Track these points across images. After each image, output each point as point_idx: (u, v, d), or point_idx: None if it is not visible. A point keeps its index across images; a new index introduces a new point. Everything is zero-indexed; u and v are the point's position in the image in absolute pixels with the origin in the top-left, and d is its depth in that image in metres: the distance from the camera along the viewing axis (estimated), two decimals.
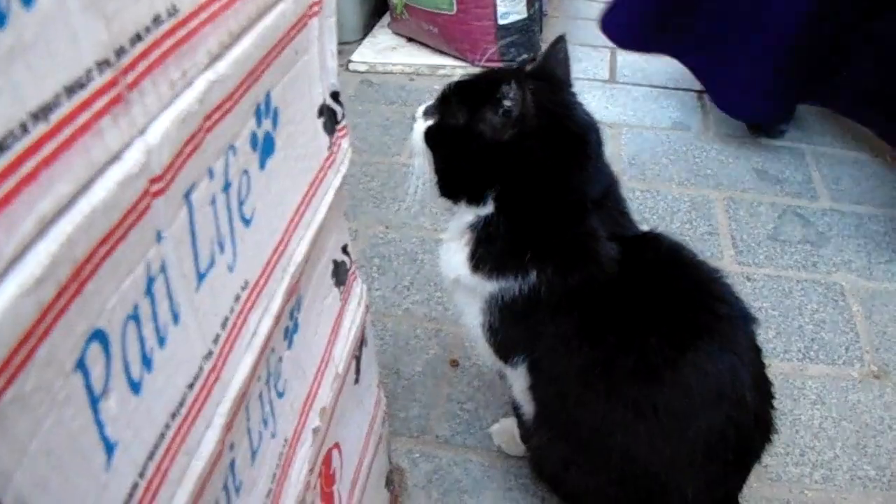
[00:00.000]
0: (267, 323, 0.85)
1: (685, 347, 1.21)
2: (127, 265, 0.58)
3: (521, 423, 1.48)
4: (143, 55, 0.57)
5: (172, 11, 0.61)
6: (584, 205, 1.24)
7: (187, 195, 0.66)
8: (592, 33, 3.40)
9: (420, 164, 1.32)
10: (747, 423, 1.26)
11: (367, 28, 3.39)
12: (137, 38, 0.56)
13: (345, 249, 1.18)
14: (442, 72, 3.07)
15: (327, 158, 1.01)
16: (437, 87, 2.82)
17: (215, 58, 0.68)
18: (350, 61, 3.14)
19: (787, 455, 1.69)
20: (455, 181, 1.29)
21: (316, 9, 0.90)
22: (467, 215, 1.30)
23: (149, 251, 0.61)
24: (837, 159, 2.70)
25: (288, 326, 0.97)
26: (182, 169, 0.64)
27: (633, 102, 2.96)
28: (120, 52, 0.54)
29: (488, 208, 1.26)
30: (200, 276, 0.71)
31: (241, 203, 0.77)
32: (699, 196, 2.46)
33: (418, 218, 2.29)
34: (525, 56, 3.04)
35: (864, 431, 1.75)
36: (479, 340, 1.36)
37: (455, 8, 2.94)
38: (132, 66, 0.56)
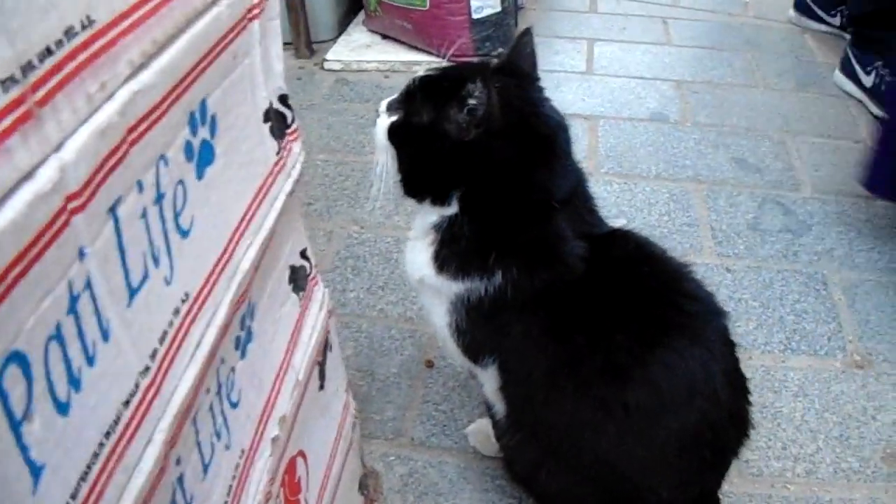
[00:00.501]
0: (212, 334, 0.83)
1: (654, 345, 1.19)
2: (45, 284, 0.56)
3: (495, 423, 1.46)
4: (55, 69, 0.55)
5: (87, 23, 0.59)
6: (551, 204, 1.22)
7: (112, 210, 0.64)
8: (569, 25, 3.42)
9: (383, 161, 1.29)
10: (721, 419, 1.24)
11: (342, 26, 3.37)
12: (47, 52, 0.55)
13: (303, 254, 1.16)
14: (417, 68, 2.99)
15: (276, 164, 0.99)
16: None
17: (138, 68, 0.66)
18: (325, 60, 3.11)
19: (769, 449, 1.68)
20: (419, 180, 1.27)
21: (256, 12, 0.88)
22: (431, 215, 1.28)
23: (70, 269, 0.59)
24: (818, 147, 2.68)
25: (239, 336, 0.95)
26: (104, 183, 0.62)
27: (611, 94, 2.94)
28: (27, 67, 0.53)
29: (453, 208, 1.24)
30: (132, 292, 0.69)
31: (177, 214, 0.76)
32: (677, 188, 2.44)
33: (392, 217, 2.27)
34: (500, 50, 3.01)
35: (848, 423, 1.73)
36: (448, 341, 1.34)
37: (428, 3, 2.92)
38: (42, 81, 0.54)
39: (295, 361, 1.13)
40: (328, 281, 2.05)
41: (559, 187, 1.24)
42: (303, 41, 3.15)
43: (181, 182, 0.76)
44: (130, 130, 0.65)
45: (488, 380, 1.37)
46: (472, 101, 1.15)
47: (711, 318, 1.27)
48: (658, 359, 1.19)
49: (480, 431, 1.64)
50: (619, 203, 2.34)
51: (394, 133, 1.27)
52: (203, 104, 0.79)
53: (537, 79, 1.30)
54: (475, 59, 1.26)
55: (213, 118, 0.81)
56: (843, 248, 2.23)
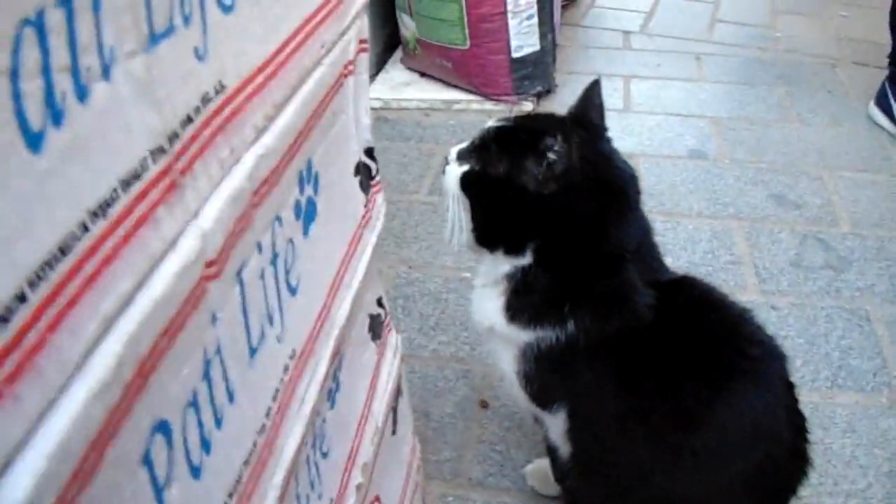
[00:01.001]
0: (314, 389, 0.85)
1: (720, 389, 1.21)
2: (186, 352, 0.58)
3: (556, 463, 1.47)
4: (194, 137, 0.57)
5: (220, 88, 0.60)
6: (623, 255, 1.24)
7: (239, 273, 0.66)
8: (604, 61, 3.43)
9: (455, 210, 1.29)
10: (783, 458, 1.27)
11: (380, 64, 3.38)
12: (188, 120, 0.56)
13: (380, 302, 1.18)
14: (457, 107, 3.05)
15: (364, 216, 1.00)
16: (453, 122, 2.84)
17: (261, 131, 0.67)
18: None
19: (821, 485, 1.68)
20: (493, 231, 1.28)
21: (350, 68, 0.90)
22: (503, 265, 1.28)
23: (205, 335, 0.61)
24: (854, 182, 2.68)
25: (331, 387, 0.96)
26: (234, 248, 0.63)
27: (649, 132, 2.95)
28: (173, 137, 0.54)
29: (526, 259, 1.25)
30: (252, 352, 0.71)
31: (287, 272, 0.77)
32: (719, 225, 2.45)
33: (440, 257, 2.28)
34: (539, 88, 3.03)
35: None
36: (515, 388, 1.35)
37: (468, 42, 2.94)
38: (184, 149, 0.56)
39: (374, 408, 1.14)
40: None
41: (630, 239, 1.25)
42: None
43: (291, 241, 0.77)
44: (255, 193, 0.66)
45: (554, 424, 1.37)
46: (551, 155, 1.16)
47: (773, 361, 1.28)
48: (725, 403, 1.21)
49: (539, 471, 1.65)
50: (663, 242, 2.31)
51: (467, 183, 1.27)
52: (309, 163, 0.80)
53: (606, 129, 1.32)
54: (546, 112, 1.26)
55: (317, 175, 0.83)
56: (883, 284, 2.23)
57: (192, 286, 0.57)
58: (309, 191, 0.81)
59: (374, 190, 1.05)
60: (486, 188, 1.26)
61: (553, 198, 1.19)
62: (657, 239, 2.26)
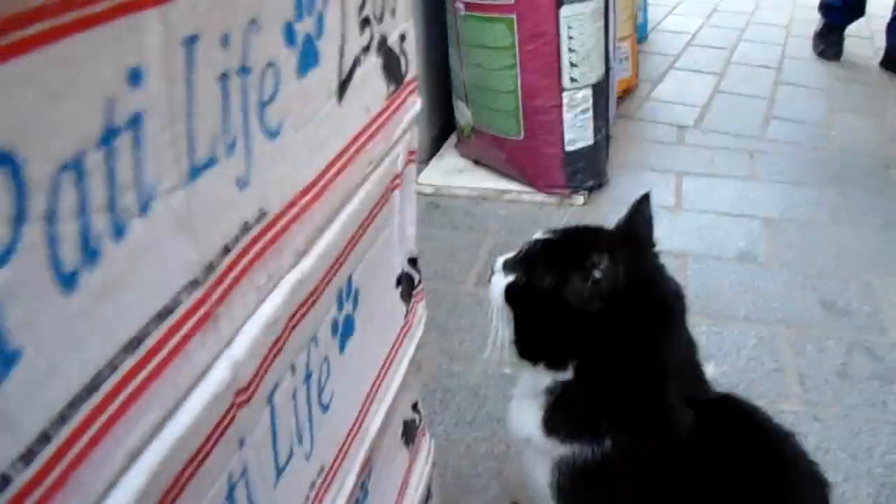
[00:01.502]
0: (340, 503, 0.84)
1: None
2: (210, 479, 0.57)
3: None
4: (231, 266, 0.57)
5: (260, 216, 0.60)
6: (665, 374, 1.21)
7: (270, 397, 0.65)
8: (657, 157, 3.42)
9: (498, 322, 1.28)
10: None
11: (434, 149, 3.39)
12: (226, 250, 0.56)
13: (415, 406, 1.17)
14: (508, 196, 3.05)
15: (404, 326, 1.00)
16: (504, 212, 2.84)
17: (301, 255, 0.68)
18: (417, 183, 3.12)
19: None
20: (536, 345, 1.26)
21: (398, 181, 0.90)
22: (544, 378, 1.26)
23: (231, 460, 0.60)
24: None
25: (358, 497, 0.95)
26: (267, 373, 0.63)
27: (699, 230, 2.93)
28: (209, 268, 0.54)
29: (567, 374, 1.23)
30: (279, 472, 0.70)
31: (321, 391, 0.77)
32: (766, 330, 2.41)
33: (483, 350, 2.26)
34: (591, 182, 3.03)
35: None
36: (547, 500, 1.33)
37: (523, 133, 2.95)
38: (220, 280, 0.56)
39: None
40: None
41: (674, 358, 1.23)
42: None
43: (326, 358, 0.77)
44: (291, 318, 0.66)
45: None
46: (597, 273, 1.15)
47: (815, 488, 1.25)
48: None
49: None
50: (707, 346, 2.32)
51: (512, 295, 1.26)
52: (349, 281, 0.80)
53: (654, 244, 1.30)
54: (593, 225, 1.25)
55: (357, 292, 0.83)
56: None
57: (221, 415, 0.57)
58: (348, 308, 0.81)
59: (415, 299, 1.05)
60: (530, 301, 1.24)
61: (598, 316, 1.17)
62: (701, 342, 2.26)
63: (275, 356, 0.64)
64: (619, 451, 1.20)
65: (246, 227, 0.58)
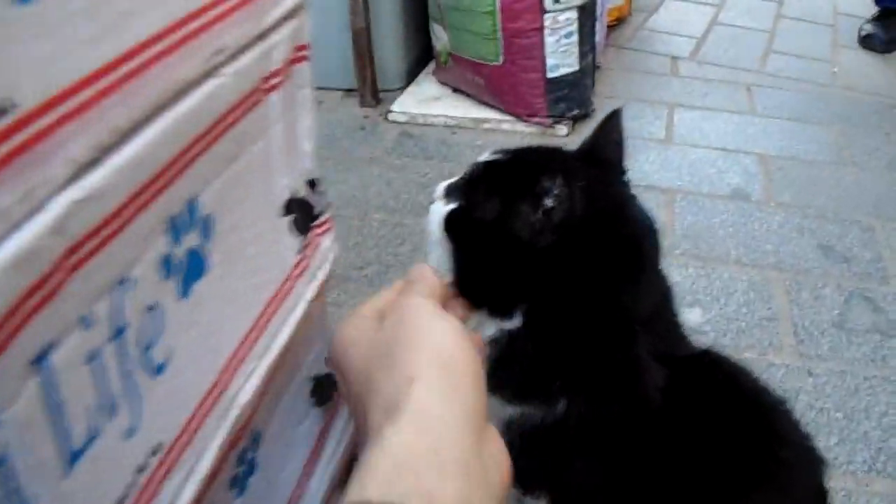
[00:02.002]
0: (193, 486, 0.66)
1: (737, 498, 0.99)
2: None
3: None
4: None
5: (7, 106, 0.42)
6: (632, 324, 1.01)
7: (40, 361, 0.47)
8: (649, 87, 3.25)
9: (437, 256, 1.06)
10: None
11: (412, 75, 3.23)
12: None
13: None
14: (486, 126, 2.88)
15: (296, 266, 0.81)
16: (481, 142, 2.67)
17: (84, 166, 0.48)
18: (390, 111, 2.97)
19: None
20: (478, 285, 1.03)
21: (275, 80, 0.71)
22: (488, 327, 1.04)
23: None
24: None
25: (236, 474, 0.78)
26: (21, 331, 0.45)
27: (690, 166, 2.76)
28: None
29: (514, 322, 1.02)
30: (73, 457, 0.52)
31: (146, 348, 0.58)
32: (758, 275, 2.24)
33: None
34: (575, 112, 2.86)
35: None
36: None
37: (501, 58, 2.77)
38: None
39: (312, 486, 0.95)
40: None
41: (643, 306, 1.02)
42: (369, 89, 3.01)
43: (153, 307, 0.59)
44: (70, 252, 0.48)
45: None
46: (548, 202, 0.94)
47: (807, 468, 1.06)
48: None
49: None
50: (694, 290, 2.15)
51: (453, 223, 1.04)
52: (192, 204, 0.61)
53: (624, 171, 1.10)
54: (550, 146, 1.03)
55: (208, 219, 0.64)
56: None
57: None
58: (192, 239, 0.62)
59: (317, 231, 0.86)
60: (473, 234, 1.03)
61: (549, 252, 0.96)
62: (687, 286, 2.09)
63: (38, 305, 0.46)
64: (574, 416, 1.00)
65: None
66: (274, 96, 0.71)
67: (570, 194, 0.93)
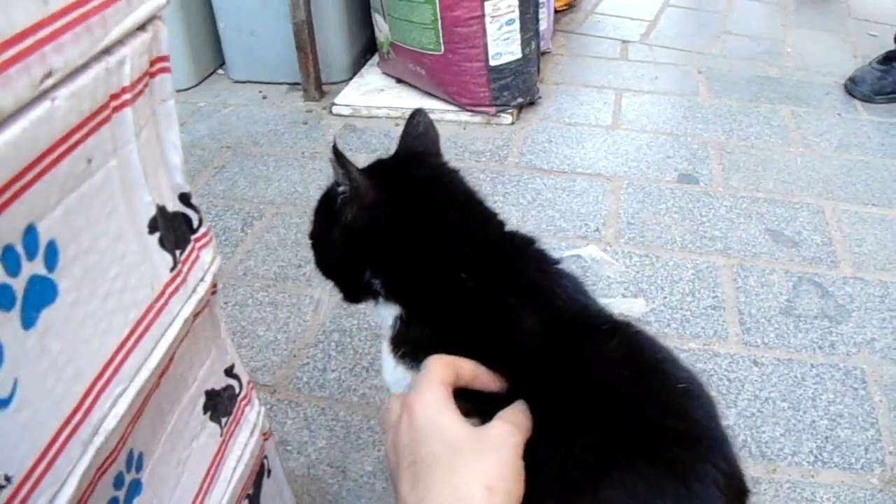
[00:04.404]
0: None
1: (614, 466, 0.95)
2: None
3: None
4: None
5: None
6: (478, 269, 1.02)
7: None
8: (597, 73, 3.24)
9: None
10: None
11: (357, 67, 3.20)
12: None
13: (229, 372, 0.96)
14: (431, 116, 2.84)
15: (170, 282, 0.78)
16: None
17: None
18: (334, 104, 2.94)
19: None
20: (339, 282, 1.14)
21: (126, 97, 0.67)
22: (385, 318, 1.10)
23: None
24: (861, 217, 2.45)
25: (116, 497, 0.74)
26: None
27: (637, 151, 2.73)
28: None
29: (397, 308, 1.08)
30: None
31: None
32: (704, 262, 2.22)
33: None
34: (520, 100, 2.83)
35: None
36: None
37: (442, 48, 2.73)
38: None
39: (210, 502, 0.92)
40: (308, 357, 1.86)
41: (460, 246, 1.04)
42: (312, 82, 2.98)
43: None
44: None
45: None
46: (341, 189, 1.03)
47: (707, 447, 1.02)
48: (615, 483, 0.95)
49: None
50: (637, 279, 2.12)
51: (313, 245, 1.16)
52: (29, 232, 0.58)
53: (435, 154, 1.16)
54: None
55: (52, 246, 0.60)
56: (886, 339, 1.98)
57: None
58: (32, 268, 0.59)
59: (197, 245, 0.83)
60: (319, 246, 1.15)
61: (357, 223, 1.04)
62: (631, 275, 2.07)
63: None
64: None
65: None
66: (126, 113, 0.67)
67: (345, 173, 1.00)
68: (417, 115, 1.18)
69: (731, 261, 2.24)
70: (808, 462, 1.66)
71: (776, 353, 1.93)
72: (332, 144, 1.05)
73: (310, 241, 1.16)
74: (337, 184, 1.03)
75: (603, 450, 0.93)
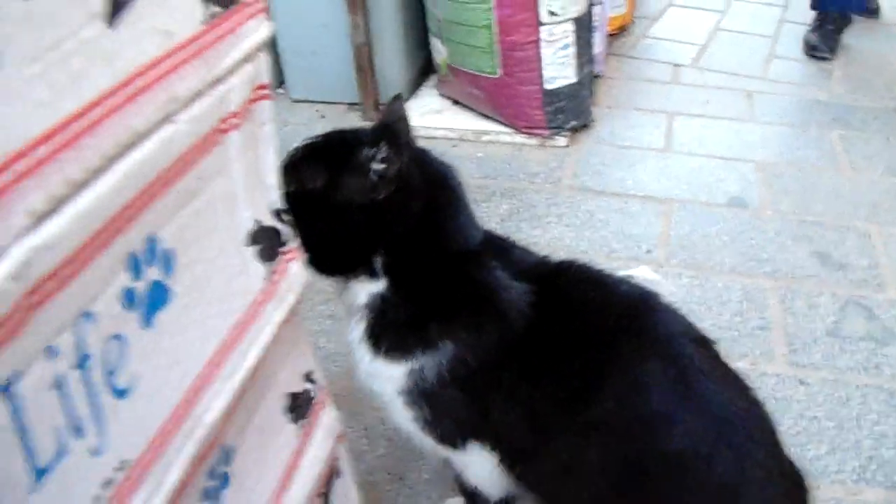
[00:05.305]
0: (159, 500, 0.71)
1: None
2: None
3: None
4: None
5: None
6: (473, 253, 1.20)
7: (6, 389, 0.52)
8: (649, 96, 3.28)
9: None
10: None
11: (414, 87, 3.27)
12: None
13: (308, 377, 1.04)
14: (486, 138, 2.92)
15: (264, 291, 0.86)
16: (481, 154, 2.71)
17: (42, 216, 0.53)
18: None
19: None
20: (326, 252, 1.17)
21: (234, 121, 0.76)
22: (359, 295, 1.20)
23: None
24: None
25: (208, 487, 0.83)
26: None
27: (688, 175, 2.78)
28: None
29: (381, 284, 1.17)
30: (40, 474, 0.57)
31: (110, 374, 0.63)
32: (753, 284, 2.27)
33: None
34: (574, 123, 2.89)
35: None
36: (416, 436, 1.29)
37: (499, 71, 2.80)
38: None
39: (287, 499, 1.00)
40: None
41: (472, 232, 1.22)
42: (371, 102, 3.06)
43: (116, 337, 0.64)
44: (30, 293, 0.53)
45: (473, 460, 1.30)
46: (376, 165, 1.10)
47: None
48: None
49: None
50: (688, 300, 2.18)
51: (289, 204, 1.11)
52: (151, 241, 0.66)
53: (412, 138, 1.24)
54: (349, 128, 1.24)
55: (168, 254, 0.69)
56: None
57: None
58: (153, 273, 0.67)
59: (285, 258, 0.91)
60: (307, 207, 1.13)
61: (388, 202, 1.12)
62: (681, 295, 2.12)
63: (2, 341, 0.51)
64: (463, 349, 1.15)
65: None
66: (234, 135, 0.76)
67: (397, 151, 1.09)
68: (396, 100, 1.24)
69: (779, 283, 2.28)
70: (851, 480, 1.71)
71: (822, 374, 1.97)
72: (387, 123, 1.14)
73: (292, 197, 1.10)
74: (369, 156, 1.09)
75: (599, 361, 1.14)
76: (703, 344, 1.22)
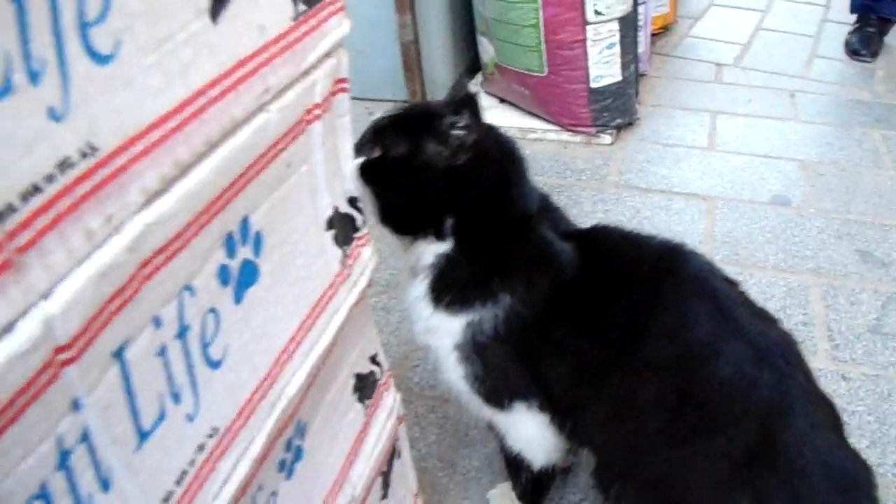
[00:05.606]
0: (245, 467, 0.76)
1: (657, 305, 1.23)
2: (23, 446, 0.50)
3: (519, 476, 1.48)
4: (44, 208, 0.49)
5: (88, 151, 0.52)
6: (531, 217, 1.29)
7: (119, 353, 0.57)
8: (693, 95, 3.30)
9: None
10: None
11: (460, 87, 3.30)
12: (34, 190, 0.48)
13: (374, 359, 1.09)
14: (532, 136, 2.97)
15: (339, 274, 0.91)
16: (528, 151, 2.72)
17: (155, 195, 0.59)
18: None
19: None
20: (405, 213, 1.28)
21: (317, 112, 0.81)
22: (425, 256, 1.28)
23: (60, 424, 0.53)
24: None
25: (284, 459, 0.88)
26: (104, 329, 0.55)
27: (731, 173, 2.81)
28: (5, 212, 0.46)
29: (447, 245, 1.25)
30: (143, 435, 0.62)
31: (205, 345, 0.69)
32: (795, 281, 2.30)
33: None
34: (619, 121, 2.93)
35: None
36: (465, 395, 1.35)
37: (546, 70, 2.84)
38: (25, 224, 0.47)
39: (353, 475, 1.05)
40: (419, 359, 1.97)
41: (532, 198, 1.31)
42: (418, 100, 3.09)
43: (212, 310, 0.69)
44: (144, 265, 0.58)
45: (517, 422, 1.35)
46: (456, 132, 1.19)
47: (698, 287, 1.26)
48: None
49: (503, 496, 1.61)
50: None
51: (368, 173, 1.24)
52: (244, 222, 0.72)
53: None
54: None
55: (258, 235, 0.74)
56: None
57: (32, 374, 0.49)
58: (245, 252, 0.72)
59: (358, 243, 0.96)
60: (389, 172, 1.25)
61: (465, 167, 1.21)
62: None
63: (118, 309, 0.56)
64: (518, 301, 1.23)
65: (66, 164, 0.50)
66: (316, 126, 0.81)
67: (476, 120, 1.19)
68: (464, 81, 1.36)
69: (822, 280, 2.31)
70: (892, 474, 1.74)
71: (864, 369, 2.00)
72: (469, 94, 1.20)
73: (376, 162, 1.25)
74: (451, 124, 1.18)
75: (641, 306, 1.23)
76: (731, 283, 1.30)
